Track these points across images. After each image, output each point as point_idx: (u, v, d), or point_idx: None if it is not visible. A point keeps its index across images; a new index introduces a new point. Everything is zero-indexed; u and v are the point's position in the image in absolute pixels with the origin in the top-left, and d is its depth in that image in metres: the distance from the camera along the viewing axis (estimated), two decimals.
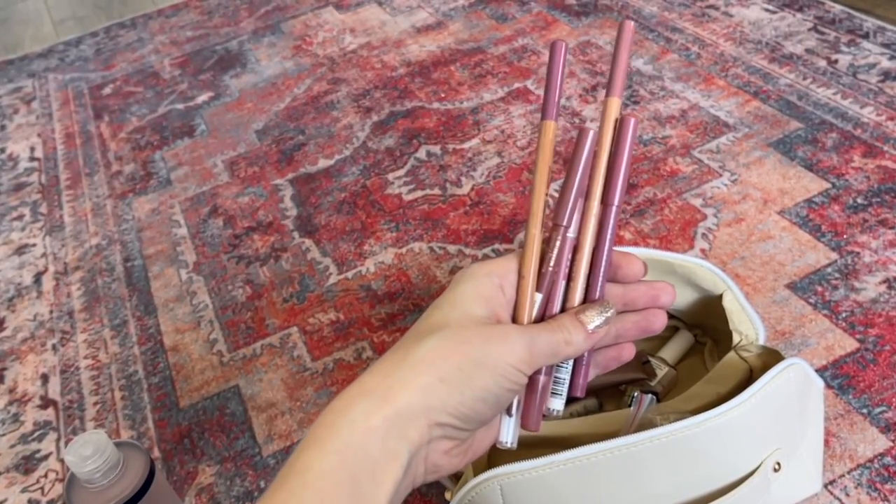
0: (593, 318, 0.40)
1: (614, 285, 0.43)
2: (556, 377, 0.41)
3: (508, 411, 0.41)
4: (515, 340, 0.37)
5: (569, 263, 0.41)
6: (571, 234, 0.41)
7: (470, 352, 0.36)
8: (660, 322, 0.43)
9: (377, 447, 0.34)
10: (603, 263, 0.40)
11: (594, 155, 0.41)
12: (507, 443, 0.41)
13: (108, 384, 0.85)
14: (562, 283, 0.41)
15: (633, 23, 0.41)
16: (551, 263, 0.40)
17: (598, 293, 0.41)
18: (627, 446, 0.51)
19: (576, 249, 0.41)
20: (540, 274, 0.41)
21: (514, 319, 0.41)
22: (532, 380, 0.41)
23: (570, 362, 0.42)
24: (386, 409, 0.35)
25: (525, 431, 0.43)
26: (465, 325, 0.38)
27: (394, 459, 0.34)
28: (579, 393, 0.43)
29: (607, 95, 0.41)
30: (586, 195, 0.41)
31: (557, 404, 0.42)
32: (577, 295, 0.41)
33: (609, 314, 0.40)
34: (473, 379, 0.36)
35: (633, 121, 0.41)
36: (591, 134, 0.40)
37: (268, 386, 0.81)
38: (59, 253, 1.05)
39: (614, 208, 0.40)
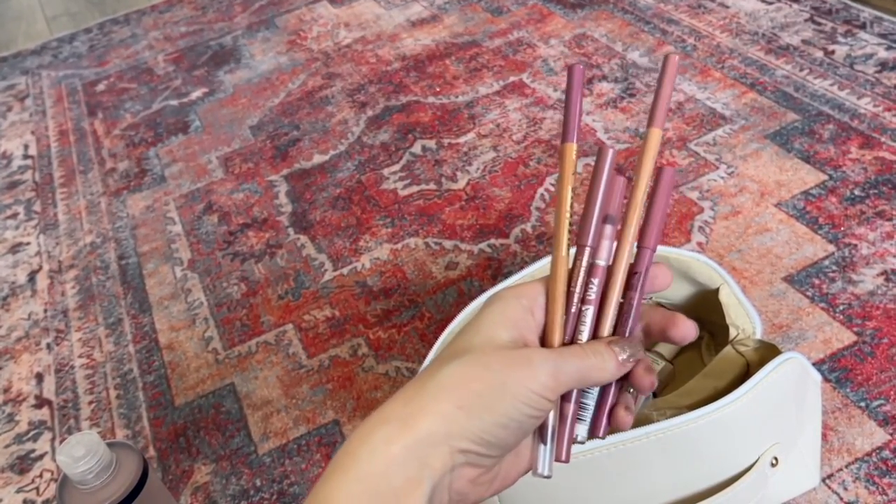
0: (624, 350, 0.39)
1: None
2: (582, 402, 0.40)
3: (543, 439, 0.40)
4: (539, 366, 0.36)
5: (600, 288, 0.41)
6: (602, 261, 0.41)
7: (490, 378, 0.36)
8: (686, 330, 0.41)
9: (399, 475, 0.34)
10: (635, 308, 0.40)
11: (634, 187, 0.41)
12: (543, 472, 0.40)
13: (102, 383, 0.84)
14: (592, 309, 0.40)
15: (677, 56, 0.41)
16: (577, 285, 0.40)
17: (627, 332, 0.40)
18: (624, 442, 0.51)
19: (608, 281, 0.40)
20: (568, 295, 0.40)
21: (544, 342, 0.40)
22: (561, 409, 0.40)
23: (597, 390, 0.41)
24: (406, 436, 0.34)
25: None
26: (487, 350, 0.37)
27: (416, 488, 0.34)
28: (600, 434, 0.41)
29: (648, 126, 0.41)
30: (621, 226, 0.40)
31: (582, 431, 0.40)
32: (607, 326, 0.40)
33: (637, 349, 0.39)
34: (494, 405, 0.35)
35: (672, 171, 0.41)
36: (610, 152, 0.40)
37: (263, 383, 0.80)
38: (54, 251, 1.05)
39: (650, 251, 0.40)
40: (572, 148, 0.40)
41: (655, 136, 0.40)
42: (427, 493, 0.34)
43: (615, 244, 0.40)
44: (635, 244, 0.40)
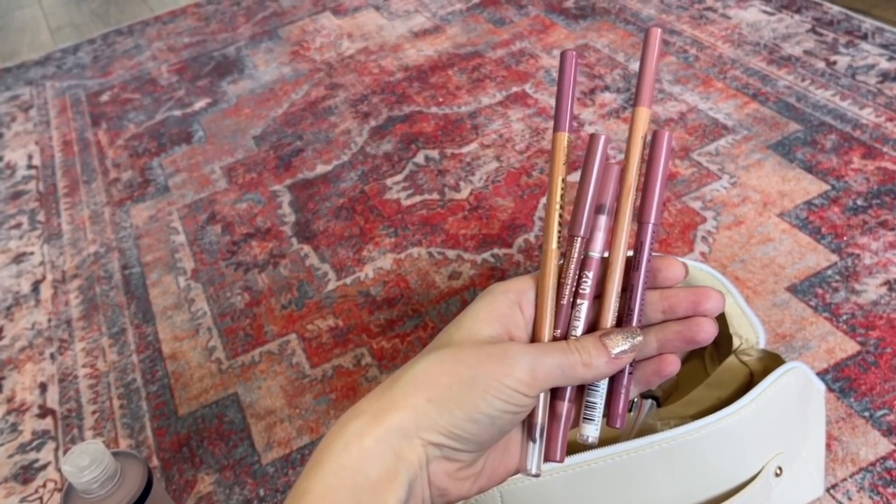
0: (618, 343, 0.37)
1: (650, 291, 0.39)
2: (587, 401, 0.38)
3: (532, 437, 0.38)
4: (515, 361, 0.35)
5: (594, 281, 0.39)
6: (596, 253, 0.39)
7: (462, 372, 0.35)
8: (706, 332, 0.38)
9: (375, 468, 0.33)
10: (640, 290, 0.38)
11: (623, 168, 0.39)
12: (531, 470, 0.38)
13: (106, 393, 0.85)
14: (585, 303, 0.38)
15: (659, 29, 0.39)
16: (569, 277, 0.39)
17: (634, 321, 0.38)
18: (628, 452, 0.51)
19: (606, 270, 0.38)
20: (560, 288, 0.39)
21: (534, 338, 0.39)
22: (554, 406, 0.39)
23: (604, 386, 0.39)
24: (378, 429, 0.34)
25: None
26: (465, 344, 0.36)
27: (393, 479, 0.33)
28: (618, 424, 0.39)
29: (635, 105, 0.39)
30: (616, 211, 0.39)
31: (591, 431, 0.38)
32: (609, 317, 0.38)
33: (636, 341, 0.37)
34: (463, 400, 0.34)
35: (667, 134, 0.39)
36: (602, 139, 0.39)
37: (267, 393, 0.81)
38: (57, 261, 1.05)
39: (650, 226, 0.39)
40: (564, 137, 0.39)
41: (642, 114, 0.38)
42: (405, 485, 0.34)
43: (609, 233, 0.39)
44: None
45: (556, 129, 0.39)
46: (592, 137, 0.39)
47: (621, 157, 1.00)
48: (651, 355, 0.40)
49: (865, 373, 0.70)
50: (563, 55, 0.39)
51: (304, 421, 0.77)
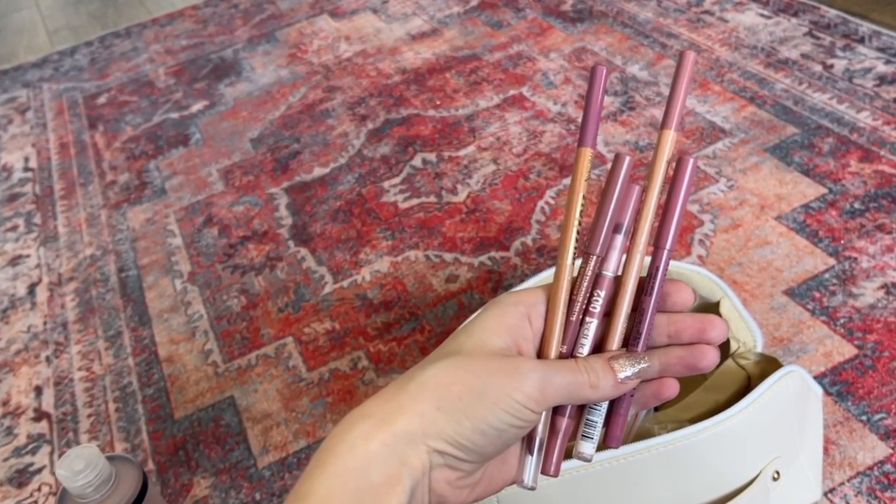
0: (625, 368, 0.37)
1: (658, 314, 0.39)
2: (588, 419, 0.39)
3: (531, 449, 0.38)
4: (526, 376, 0.35)
5: (605, 300, 0.39)
6: (610, 273, 0.39)
7: (473, 382, 0.35)
8: (708, 360, 0.38)
9: (378, 472, 0.33)
10: (649, 315, 0.38)
11: (644, 190, 0.39)
12: (528, 483, 0.39)
13: (102, 396, 0.84)
14: (595, 322, 0.38)
15: (694, 53, 0.39)
16: (580, 294, 0.39)
17: (640, 345, 0.38)
18: (626, 456, 0.50)
19: (618, 290, 0.38)
20: (570, 304, 0.39)
21: (541, 352, 0.39)
22: (554, 422, 0.39)
23: (605, 407, 0.39)
24: (384, 433, 0.34)
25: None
26: (475, 354, 0.36)
27: (396, 484, 0.33)
28: (615, 445, 0.39)
29: (662, 128, 0.38)
30: (632, 233, 0.39)
31: (588, 448, 0.38)
32: (617, 338, 0.38)
33: (643, 366, 0.37)
34: (473, 410, 0.34)
35: (692, 160, 0.38)
36: (627, 160, 0.39)
37: (263, 397, 0.80)
38: (54, 264, 1.05)
39: (667, 252, 0.38)
40: (588, 153, 0.38)
41: (668, 137, 0.38)
42: (407, 491, 0.33)
43: (625, 255, 0.39)
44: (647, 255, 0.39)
45: (580, 143, 0.39)
46: (617, 157, 0.39)
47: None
48: (652, 377, 0.39)
49: (863, 376, 0.70)
50: (593, 70, 0.39)
51: (301, 424, 0.77)
